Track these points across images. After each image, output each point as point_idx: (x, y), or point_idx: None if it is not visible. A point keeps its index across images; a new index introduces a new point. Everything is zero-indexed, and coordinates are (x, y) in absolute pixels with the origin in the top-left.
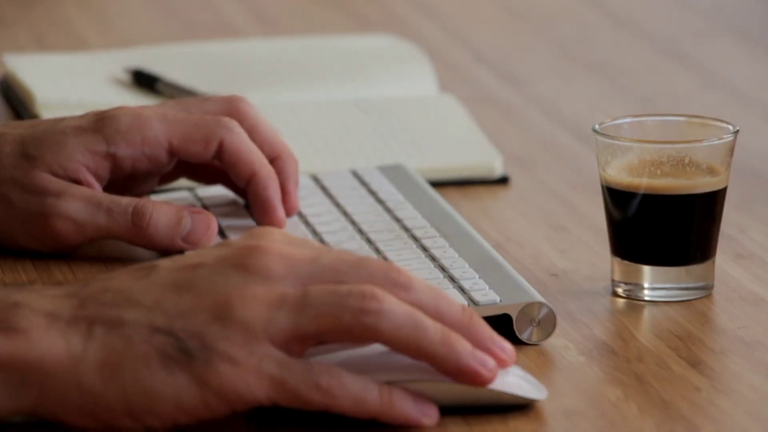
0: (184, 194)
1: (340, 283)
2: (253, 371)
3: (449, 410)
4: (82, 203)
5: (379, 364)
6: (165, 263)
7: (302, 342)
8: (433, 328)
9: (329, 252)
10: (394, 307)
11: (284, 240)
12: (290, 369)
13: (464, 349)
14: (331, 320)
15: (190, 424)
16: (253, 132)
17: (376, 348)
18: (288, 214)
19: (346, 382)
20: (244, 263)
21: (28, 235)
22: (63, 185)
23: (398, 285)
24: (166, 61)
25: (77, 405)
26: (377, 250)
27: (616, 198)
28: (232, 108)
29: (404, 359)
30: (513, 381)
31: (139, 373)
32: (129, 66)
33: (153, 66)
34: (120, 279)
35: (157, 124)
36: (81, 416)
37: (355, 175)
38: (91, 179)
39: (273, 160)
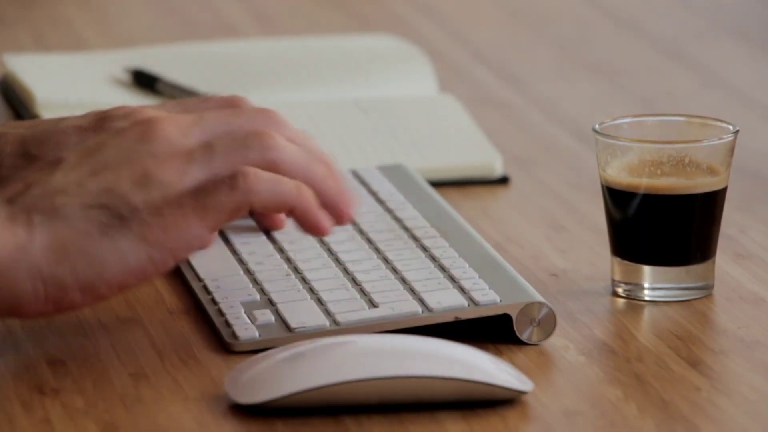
0: None
1: (230, 131)
2: (179, 215)
3: (448, 408)
4: None
5: (376, 359)
6: (68, 154)
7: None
8: (318, 161)
9: (208, 110)
10: (286, 143)
11: (165, 110)
12: (206, 192)
13: (333, 187)
14: (239, 161)
15: (136, 286)
16: None
17: (369, 345)
18: None
19: (262, 176)
20: (145, 134)
21: None
22: None
23: (278, 124)
24: (166, 61)
25: (29, 292)
26: (377, 250)
27: (616, 198)
28: None
29: (397, 355)
30: (502, 375)
31: (85, 247)
32: (129, 66)
33: (153, 66)
34: (31, 177)
35: None
36: (35, 303)
37: (355, 175)
38: None
39: None
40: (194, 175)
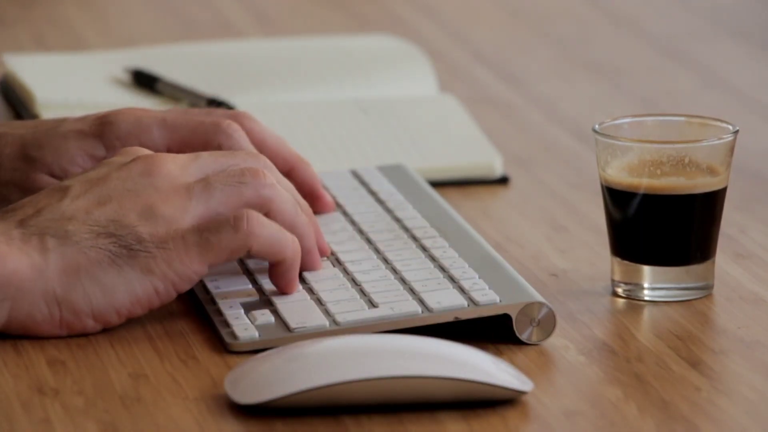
0: None
1: (226, 169)
2: (182, 250)
3: (448, 408)
4: None
5: (376, 359)
6: (73, 183)
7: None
8: (300, 207)
9: (202, 152)
10: (277, 183)
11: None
12: (210, 231)
13: (313, 233)
14: (236, 196)
15: (142, 314)
16: (261, 148)
17: (369, 345)
18: (327, 210)
19: (264, 222)
20: (147, 170)
21: None
22: None
23: (266, 167)
24: (166, 61)
25: (44, 313)
26: (377, 250)
27: (616, 198)
28: None
29: (397, 355)
30: (502, 375)
31: (96, 274)
32: (129, 66)
33: (153, 66)
34: (42, 202)
35: (157, 130)
36: (47, 324)
37: (355, 175)
38: None
39: (289, 172)
40: (195, 210)
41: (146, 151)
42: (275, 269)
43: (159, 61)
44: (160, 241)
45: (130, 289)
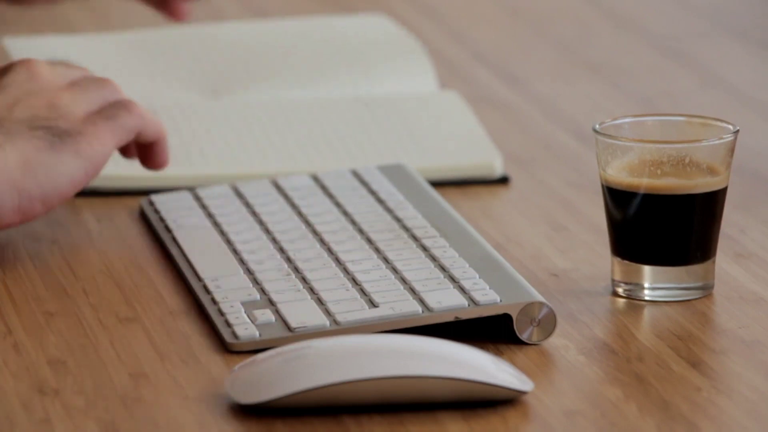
0: (184, 194)
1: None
2: (96, 132)
3: (448, 408)
4: None
5: (376, 359)
6: None
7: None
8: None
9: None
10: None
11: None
12: (110, 113)
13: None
14: (109, 92)
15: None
16: None
17: (369, 345)
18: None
19: (142, 107)
20: (33, 73)
21: None
22: None
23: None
24: (166, 49)
25: (8, 203)
26: (377, 250)
27: (616, 198)
28: None
29: (397, 355)
30: (502, 375)
31: (43, 161)
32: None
33: (152, 52)
34: None
35: None
36: (10, 214)
37: (355, 174)
38: None
39: None
40: (90, 99)
41: (27, 59)
42: (156, 147)
43: (158, 48)
44: (76, 129)
45: (69, 172)
